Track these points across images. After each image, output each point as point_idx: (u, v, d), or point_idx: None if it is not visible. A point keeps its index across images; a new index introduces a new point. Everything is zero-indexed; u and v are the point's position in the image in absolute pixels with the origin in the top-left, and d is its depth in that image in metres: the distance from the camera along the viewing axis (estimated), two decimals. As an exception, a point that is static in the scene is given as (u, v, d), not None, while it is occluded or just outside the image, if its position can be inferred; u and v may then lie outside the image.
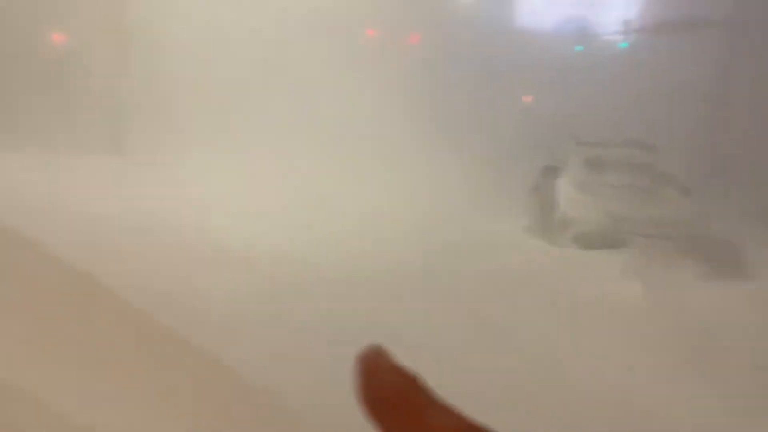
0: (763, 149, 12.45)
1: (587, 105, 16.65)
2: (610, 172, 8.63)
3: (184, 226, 7.29)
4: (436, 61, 18.86)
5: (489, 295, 6.21)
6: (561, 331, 5.34)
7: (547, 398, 4.07)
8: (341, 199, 10.49)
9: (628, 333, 5.39)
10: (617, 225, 7.76)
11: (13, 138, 11.76)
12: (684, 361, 4.82)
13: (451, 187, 12.17)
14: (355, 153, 14.36)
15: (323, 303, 5.26)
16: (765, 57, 14.00)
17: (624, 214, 7.82)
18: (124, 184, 9.55)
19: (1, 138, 11.57)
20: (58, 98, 14.76)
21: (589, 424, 3.71)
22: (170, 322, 1.28)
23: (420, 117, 17.93)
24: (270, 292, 5.39)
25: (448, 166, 13.92)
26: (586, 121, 15.54)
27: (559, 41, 17.50)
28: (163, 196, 8.74)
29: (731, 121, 14.29)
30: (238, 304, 5.00)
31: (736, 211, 9.58)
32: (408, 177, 13.23)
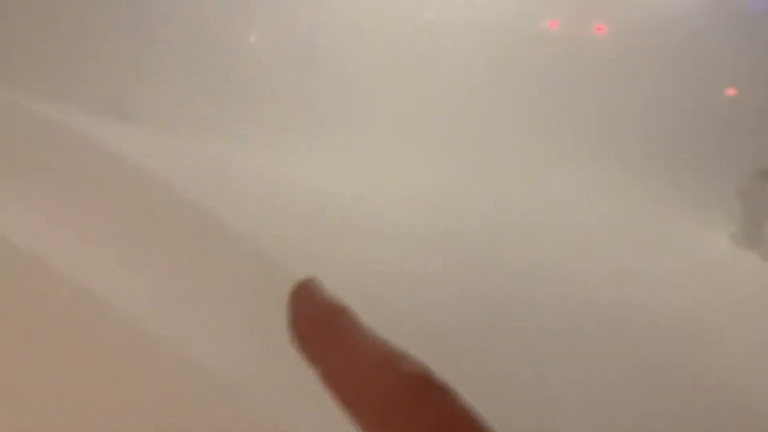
0: None
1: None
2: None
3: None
4: (625, 54, 17.61)
5: (708, 324, 5.64)
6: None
7: None
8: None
9: None
10: None
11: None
12: None
13: (641, 194, 11.28)
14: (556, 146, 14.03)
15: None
16: None
17: None
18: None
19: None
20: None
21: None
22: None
23: (611, 116, 16.91)
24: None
25: (644, 170, 12.93)
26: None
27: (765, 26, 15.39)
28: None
29: None
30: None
31: None
32: (598, 179, 12.48)
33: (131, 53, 14.91)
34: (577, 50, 17.99)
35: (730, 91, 17.70)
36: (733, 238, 8.35)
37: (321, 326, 0.33)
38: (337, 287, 0.35)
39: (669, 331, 5.29)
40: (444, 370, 0.32)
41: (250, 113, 13.08)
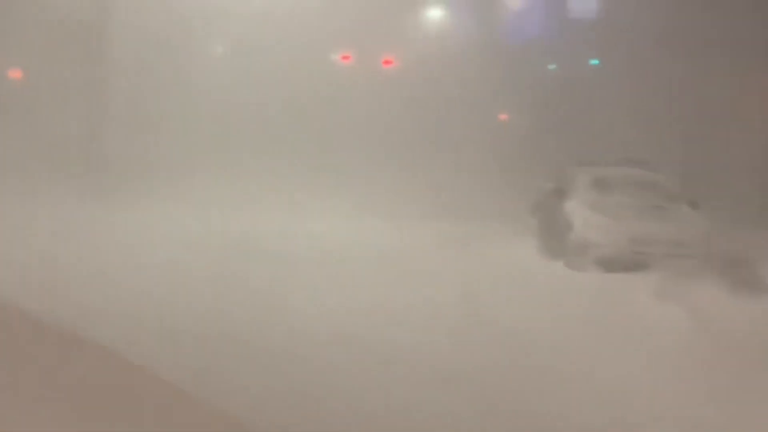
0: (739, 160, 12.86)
1: (562, 123, 17.02)
2: (618, 192, 8.73)
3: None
4: (412, 84, 18.93)
5: (528, 325, 6.13)
6: (611, 357, 5.29)
7: (600, 425, 4.02)
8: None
9: (674, 355, 5.36)
10: (637, 246, 7.81)
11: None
12: (736, 381, 4.82)
13: (450, 213, 12.16)
14: (332, 182, 14.26)
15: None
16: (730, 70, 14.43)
17: (642, 235, 7.88)
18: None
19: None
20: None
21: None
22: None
23: (400, 142, 17.91)
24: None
25: (441, 191, 13.91)
26: (565, 139, 15.92)
27: (533, 60, 17.83)
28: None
29: (704, 135, 14.68)
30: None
31: (738, 222, 9.85)
32: (392, 207, 13.05)
33: None
34: (367, 82, 18.96)
35: (503, 116, 20.03)
36: (541, 250, 9.42)
37: None
38: None
39: (484, 334, 5.72)
40: None
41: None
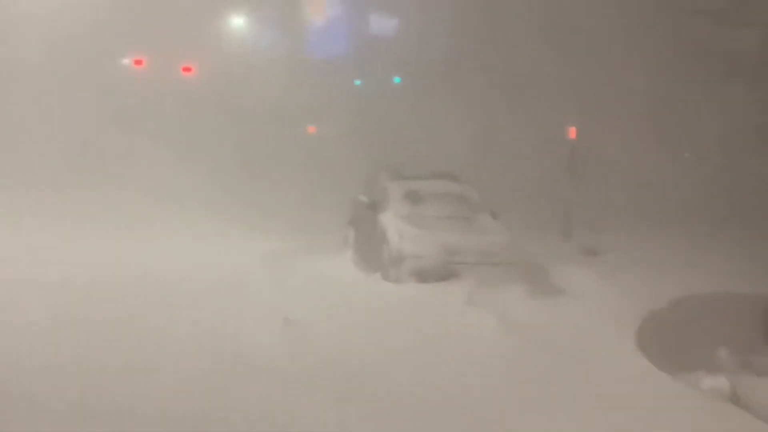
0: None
1: (370, 137, 17.53)
2: (429, 204, 9.02)
3: None
4: (215, 93, 18.13)
5: (347, 333, 5.98)
6: (430, 362, 5.35)
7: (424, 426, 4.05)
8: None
9: (486, 356, 5.59)
10: (449, 256, 8.09)
11: None
12: (538, 375, 5.16)
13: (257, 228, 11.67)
14: (137, 198, 13.02)
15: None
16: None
17: (453, 245, 8.18)
18: None
19: None
20: None
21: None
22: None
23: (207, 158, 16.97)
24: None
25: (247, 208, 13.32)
26: (374, 152, 16.37)
27: (339, 75, 18.13)
28: None
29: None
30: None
31: (531, 231, 10.80)
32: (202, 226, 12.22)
33: None
34: (162, 88, 17.81)
35: (311, 129, 20.04)
36: (356, 263, 9.40)
37: None
38: None
39: (303, 345, 5.54)
40: None
41: None
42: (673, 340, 6.41)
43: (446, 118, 16.42)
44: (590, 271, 8.47)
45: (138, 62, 17.76)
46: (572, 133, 11.82)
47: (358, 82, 18.92)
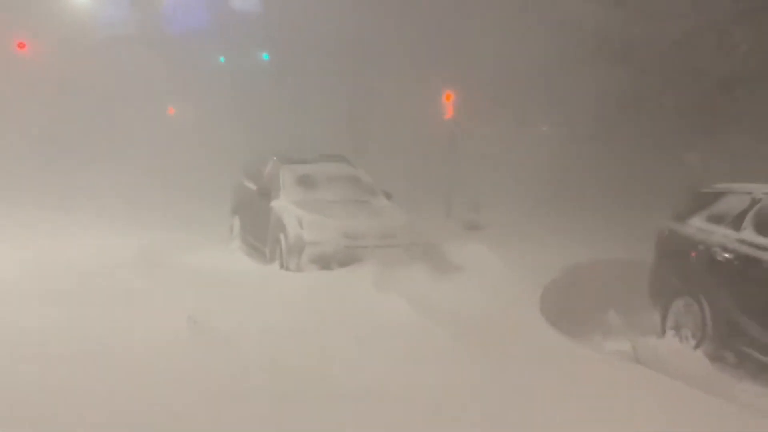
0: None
1: (237, 117, 16.71)
2: (324, 189, 8.79)
3: None
4: (55, 72, 16.29)
5: (256, 337, 5.66)
6: (345, 348, 5.23)
7: (347, 410, 3.98)
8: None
9: (400, 337, 5.59)
10: (350, 240, 7.95)
11: None
12: (451, 351, 5.27)
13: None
14: None
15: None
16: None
17: (353, 229, 8.05)
18: None
19: None
20: None
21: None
22: None
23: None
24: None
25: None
26: (244, 133, 15.64)
27: (202, 52, 16.97)
28: None
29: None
30: None
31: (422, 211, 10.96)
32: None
33: None
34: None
35: (171, 110, 18.70)
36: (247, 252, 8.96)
37: None
38: None
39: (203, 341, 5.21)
40: None
41: None
42: (569, 307, 6.84)
43: (320, 97, 16.08)
44: (482, 246, 8.77)
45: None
46: (449, 111, 12.14)
47: (222, 59, 17.89)
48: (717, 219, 5.87)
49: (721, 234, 5.67)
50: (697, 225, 6.08)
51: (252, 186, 9.39)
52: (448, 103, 12.19)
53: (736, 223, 5.57)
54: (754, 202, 5.52)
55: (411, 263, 7.77)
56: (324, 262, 7.81)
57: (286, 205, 8.36)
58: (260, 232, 8.84)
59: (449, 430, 3.78)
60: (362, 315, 6.16)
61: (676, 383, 4.49)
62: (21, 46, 15.80)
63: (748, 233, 5.40)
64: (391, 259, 7.77)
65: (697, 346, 5.61)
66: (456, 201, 12.19)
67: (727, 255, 5.51)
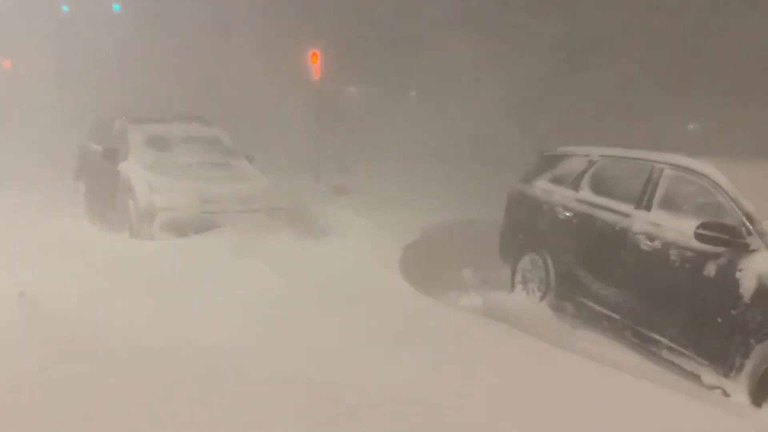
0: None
1: (82, 74, 15.20)
2: (178, 150, 8.26)
3: None
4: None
5: (108, 313, 5.24)
6: (211, 320, 5.01)
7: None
8: None
9: (274, 307, 5.45)
10: (206, 206, 7.56)
11: None
12: (319, 317, 5.26)
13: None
14: None
15: None
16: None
17: (210, 194, 7.66)
18: None
19: None
20: None
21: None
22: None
23: None
24: None
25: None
26: (95, 89, 14.27)
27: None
28: None
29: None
30: None
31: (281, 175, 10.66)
32: None
33: None
34: None
35: (6, 63, 16.65)
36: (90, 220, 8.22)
37: None
38: None
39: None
40: None
41: None
42: (427, 266, 7.03)
43: (178, 56, 15.01)
44: (347, 210, 8.75)
45: None
46: (317, 72, 11.86)
47: (66, 8, 16.11)
48: (559, 180, 6.24)
49: (563, 194, 6.04)
50: (542, 186, 6.42)
51: (97, 148, 8.60)
52: (315, 64, 11.90)
53: (575, 183, 5.95)
54: (591, 164, 5.91)
55: (274, 229, 7.56)
56: (179, 230, 7.37)
57: (135, 168, 7.76)
58: (107, 198, 8.16)
59: (300, 392, 3.71)
60: (222, 285, 5.89)
61: (518, 332, 4.77)
62: None
63: (585, 193, 5.79)
64: (253, 224, 7.50)
65: (541, 299, 5.99)
66: (324, 165, 12.05)
67: (567, 214, 5.88)
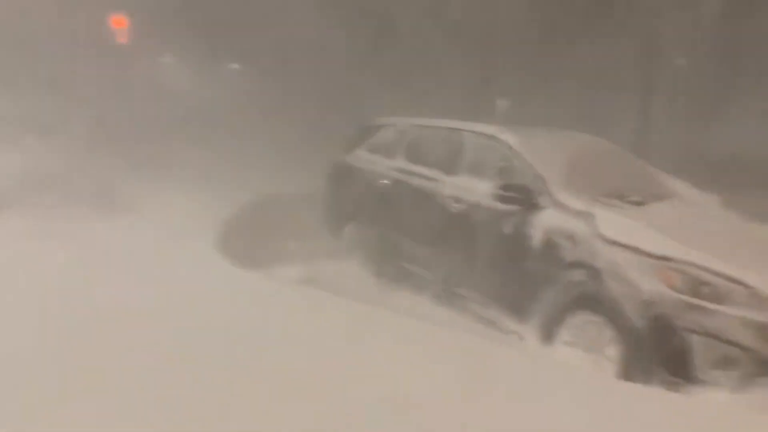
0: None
1: None
2: None
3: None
4: None
5: None
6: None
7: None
8: None
9: (66, 296, 4.98)
10: None
11: None
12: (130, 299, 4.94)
13: None
14: None
15: None
16: None
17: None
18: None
19: None
20: None
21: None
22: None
23: None
24: None
25: None
26: None
27: None
28: None
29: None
30: None
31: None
32: None
33: None
34: None
35: None
36: None
37: None
38: None
39: None
40: None
41: None
42: (250, 239, 6.86)
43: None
44: (163, 184, 8.20)
45: None
46: (123, 38, 10.88)
47: None
48: (377, 149, 6.44)
49: (381, 163, 6.25)
50: (361, 156, 6.58)
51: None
52: (120, 29, 10.88)
53: (392, 152, 6.18)
54: (405, 133, 6.18)
55: (66, 209, 6.82)
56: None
57: None
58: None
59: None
60: (14, 277, 5.20)
61: (339, 298, 4.86)
62: None
63: (401, 161, 6.04)
64: (45, 205, 6.72)
65: (364, 265, 6.17)
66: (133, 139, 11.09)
67: (385, 181, 6.10)
